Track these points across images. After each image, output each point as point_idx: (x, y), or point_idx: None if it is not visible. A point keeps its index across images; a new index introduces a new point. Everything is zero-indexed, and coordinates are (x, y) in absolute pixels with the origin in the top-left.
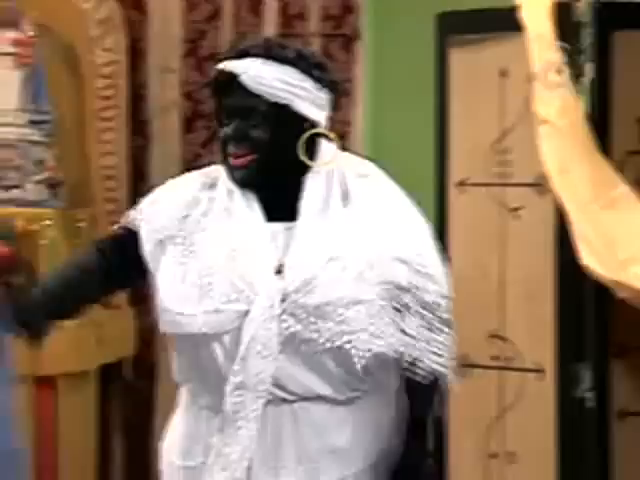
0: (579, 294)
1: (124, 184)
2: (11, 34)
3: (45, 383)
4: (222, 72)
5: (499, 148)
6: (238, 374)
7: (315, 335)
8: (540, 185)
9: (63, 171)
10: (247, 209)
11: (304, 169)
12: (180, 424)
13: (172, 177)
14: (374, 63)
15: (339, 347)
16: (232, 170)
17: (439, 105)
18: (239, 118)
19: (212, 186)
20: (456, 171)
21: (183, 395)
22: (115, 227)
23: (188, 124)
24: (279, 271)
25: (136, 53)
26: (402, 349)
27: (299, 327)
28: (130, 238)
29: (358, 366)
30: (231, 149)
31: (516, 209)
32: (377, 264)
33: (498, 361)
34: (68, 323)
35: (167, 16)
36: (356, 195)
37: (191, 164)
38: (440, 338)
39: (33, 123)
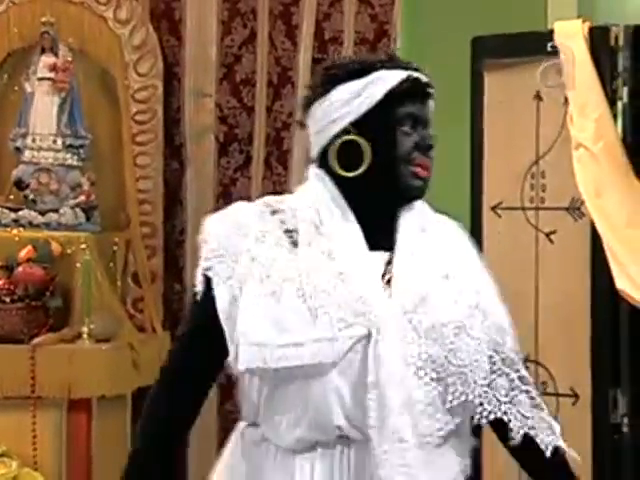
0: (614, 319)
1: (159, 208)
2: (48, 59)
3: (80, 406)
4: (417, 80)
5: (534, 172)
6: (390, 404)
7: (432, 362)
8: (575, 209)
9: (99, 195)
10: (347, 233)
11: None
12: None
13: (207, 201)
14: None
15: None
16: (413, 179)
17: (474, 129)
18: (426, 129)
19: (282, 211)
20: (491, 195)
21: (251, 435)
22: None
23: (223, 148)
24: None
25: (172, 78)
26: (498, 413)
27: (429, 347)
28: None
29: (460, 399)
30: (421, 158)
31: (550, 233)
32: (481, 304)
33: None
34: (104, 346)
35: (203, 41)
36: (433, 228)
37: (226, 188)
38: (542, 410)
39: (69, 147)
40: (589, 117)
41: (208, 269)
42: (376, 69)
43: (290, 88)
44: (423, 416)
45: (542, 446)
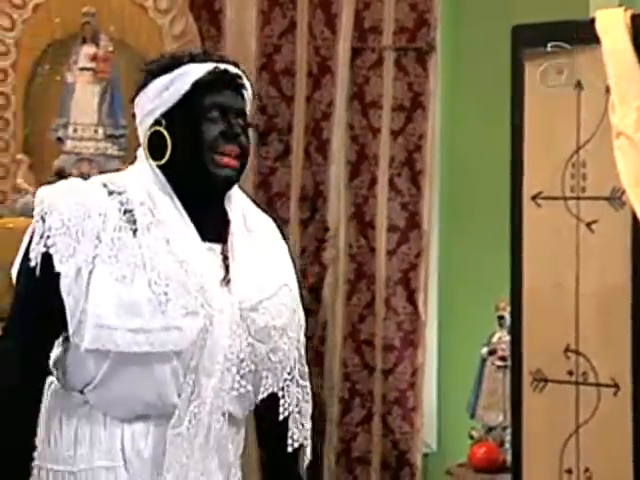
0: None
1: None
2: (90, 50)
3: None
4: (225, 71)
5: (574, 161)
6: (200, 390)
7: (254, 357)
8: (616, 199)
9: None
10: (180, 221)
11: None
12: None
13: (246, 191)
14: (448, 76)
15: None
16: (218, 168)
17: (514, 118)
18: (238, 118)
19: (119, 193)
20: (531, 184)
21: (74, 402)
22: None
23: (262, 138)
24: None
25: None
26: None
27: (254, 343)
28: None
29: (269, 391)
30: (227, 147)
31: (591, 223)
32: (298, 306)
33: (573, 376)
34: None
35: (242, 31)
36: (257, 227)
37: (265, 178)
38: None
39: (110, 137)
40: (630, 105)
41: (50, 246)
42: (184, 63)
43: (329, 78)
44: (230, 404)
45: (289, 440)
